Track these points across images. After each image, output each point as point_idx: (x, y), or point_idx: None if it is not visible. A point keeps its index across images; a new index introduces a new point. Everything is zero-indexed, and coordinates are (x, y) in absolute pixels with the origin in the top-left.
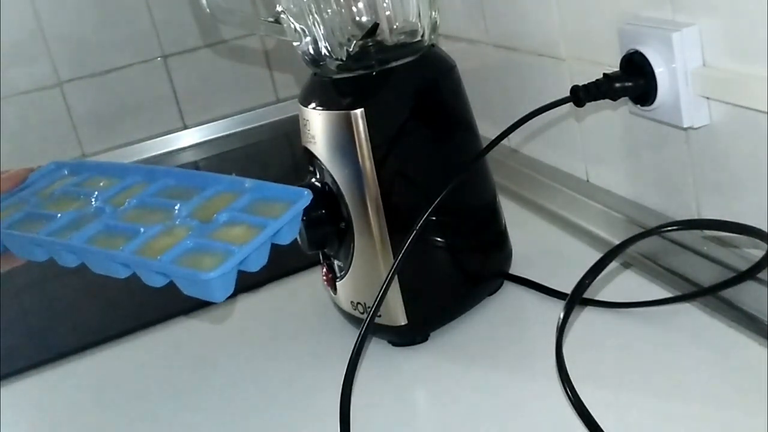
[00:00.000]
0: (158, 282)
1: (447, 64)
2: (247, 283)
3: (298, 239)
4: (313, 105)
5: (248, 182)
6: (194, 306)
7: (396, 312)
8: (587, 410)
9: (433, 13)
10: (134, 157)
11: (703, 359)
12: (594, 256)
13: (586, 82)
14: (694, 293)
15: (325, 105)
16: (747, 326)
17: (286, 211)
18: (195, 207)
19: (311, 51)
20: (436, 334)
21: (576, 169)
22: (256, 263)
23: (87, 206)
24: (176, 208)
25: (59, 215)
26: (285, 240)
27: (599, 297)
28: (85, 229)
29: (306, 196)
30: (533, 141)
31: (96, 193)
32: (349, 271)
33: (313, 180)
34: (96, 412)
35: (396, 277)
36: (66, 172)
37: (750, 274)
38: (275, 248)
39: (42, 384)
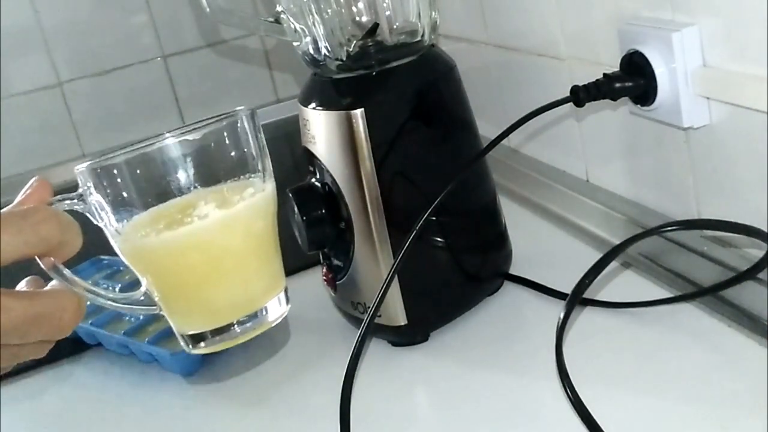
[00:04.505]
0: (146, 358)
1: (447, 64)
2: None
3: (298, 239)
4: (313, 105)
5: None
6: None
7: (396, 312)
8: (587, 410)
9: (433, 13)
10: None
11: (703, 359)
12: (594, 256)
13: (586, 82)
14: (694, 293)
15: (325, 105)
16: (747, 326)
17: None
18: None
19: (311, 51)
20: (436, 334)
21: (576, 169)
22: None
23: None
24: None
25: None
26: None
27: (599, 297)
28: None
29: None
30: (533, 141)
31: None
32: (349, 271)
33: (313, 180)
34: (96, 411)
35: (396, 277)
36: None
37: (750, 274)
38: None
39: (42, 384)
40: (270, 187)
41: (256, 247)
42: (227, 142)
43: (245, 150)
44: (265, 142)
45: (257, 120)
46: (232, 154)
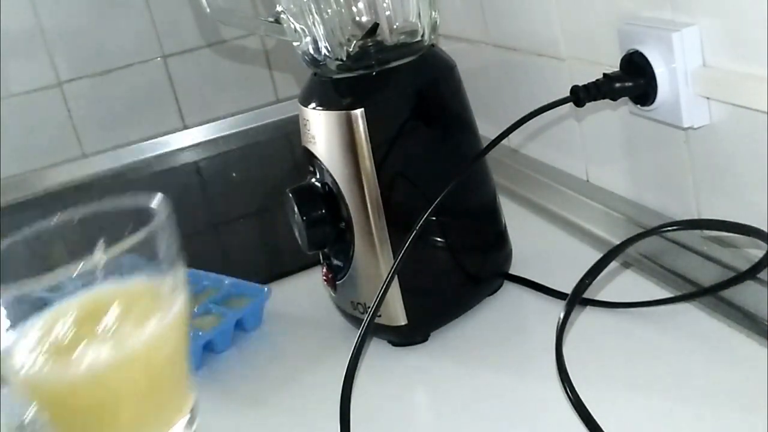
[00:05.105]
0: None
1: (447, 64)
2: None
3: (298, 239)
4: (313, 105)
5: (227, 280)
6: None
7: (396, 312)
8: (587, 410)
9: (433, 13)
10: (134, 158)
11: (703, 359)
12: (594, 256)
13: (586, 82)
14: (694, 293)
15: (325, 105)
16: (747, 326)
17: (248, 304)
18: None
19: (311, 51)
20: (436, 334)
21: (576, 169)
22: (221, 346)
23: None
24: None
25: None
26: (250, 326)
27: (599, 297)
28: None
29: (265, 293)
30: (533, 141)
31: None
32: (349, 271)
33: (313, 180)
34: None
35: (396, 277)
36: None
37: (750, 274)
38: (277, 249)
39: None
40: (179, 304)
41: (159, 378)
42: (141, 245)
43: (159, 257)
44: (180, 247)
45: (173, 223)
46: (144, 256)
